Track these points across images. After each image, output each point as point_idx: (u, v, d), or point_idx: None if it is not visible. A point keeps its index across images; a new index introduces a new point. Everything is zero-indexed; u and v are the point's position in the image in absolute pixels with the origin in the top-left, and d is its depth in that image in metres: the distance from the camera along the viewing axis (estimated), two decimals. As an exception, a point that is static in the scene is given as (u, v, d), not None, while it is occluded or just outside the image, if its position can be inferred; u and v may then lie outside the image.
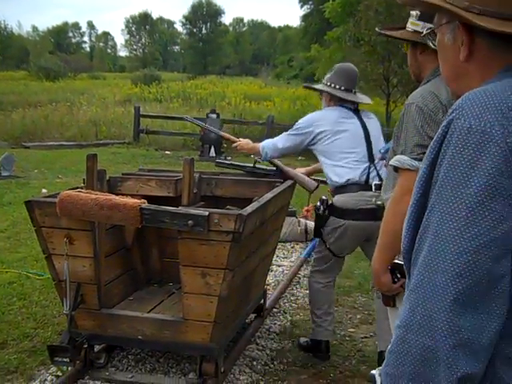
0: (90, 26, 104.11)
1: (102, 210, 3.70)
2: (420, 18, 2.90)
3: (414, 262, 1.25)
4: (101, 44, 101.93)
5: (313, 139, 4.51)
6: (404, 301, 1.26)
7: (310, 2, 67.26)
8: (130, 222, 3.71)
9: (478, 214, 1.15)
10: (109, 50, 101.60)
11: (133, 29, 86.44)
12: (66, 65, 46.09)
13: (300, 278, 6.28)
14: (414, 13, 2.99)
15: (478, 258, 1.14)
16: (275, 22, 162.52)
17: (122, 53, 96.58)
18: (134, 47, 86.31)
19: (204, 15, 75.79)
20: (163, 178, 4.84)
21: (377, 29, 3.52)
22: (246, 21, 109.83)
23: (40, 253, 6.51)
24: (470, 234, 1.15)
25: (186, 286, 3.76)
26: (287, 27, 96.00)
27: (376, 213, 3.66)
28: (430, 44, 1.76)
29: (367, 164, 4.27)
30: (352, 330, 5.04)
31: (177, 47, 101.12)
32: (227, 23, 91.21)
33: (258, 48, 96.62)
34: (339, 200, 4.26)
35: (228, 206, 4.24)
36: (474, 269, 1.14)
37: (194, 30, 76.07)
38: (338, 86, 4.41)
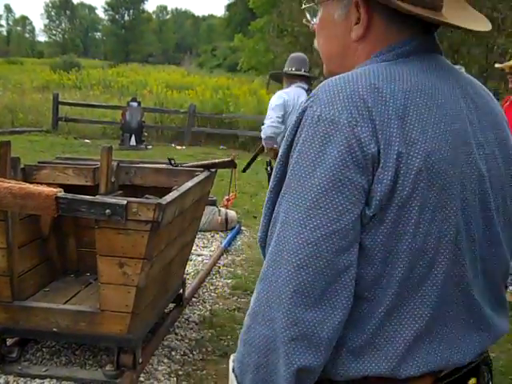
0: (8, 9, 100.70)
1: (16, 198, 3.57)
2: None
3: (266, 250, 1.23)
4: (18, 28, 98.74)
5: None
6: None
7: (234, -8, 67.29)
8: (46, 211, 3.60)
9: (320, 206, 1.13)
10: (27, 35, 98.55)
11: (52, 13, 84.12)
12: (-19, 49, 44.53)
13: (220, 268, 6.26)
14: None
15: (319, 249, 1.12)
16: (199, 11, 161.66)
17: (41, 38, 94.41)
18: (54, 32, 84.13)
19: (127, 2, 74.49)
20: (80, 166, 4.72)
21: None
22: (169, 9, 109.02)
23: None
24: (312, 225, 1.13)
25: (103, 276, 3.69)
26: (211, 16, 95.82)
27: None
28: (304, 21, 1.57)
29: None
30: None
31: (98, 34, 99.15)
32: (150, 11, 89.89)
33: (181, 37, 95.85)
34: None
35: (146, 195, 4.18)
36: (315, 260, 1.12)
37: (117, 17, 74.73)
38: (290, 69, 5.61)
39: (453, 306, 1.24)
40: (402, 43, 1.29)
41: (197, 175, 4.69)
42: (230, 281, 5.88)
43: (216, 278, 5.97)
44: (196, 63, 56.48)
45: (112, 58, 64.67)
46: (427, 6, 1.26)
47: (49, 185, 4.54)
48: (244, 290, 5.59)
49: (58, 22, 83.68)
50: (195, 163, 5.08)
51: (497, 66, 5.89)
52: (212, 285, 5.75)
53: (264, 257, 1.25)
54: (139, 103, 15.68)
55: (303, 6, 1.52)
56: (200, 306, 5.19)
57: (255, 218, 8.12)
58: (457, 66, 1.67)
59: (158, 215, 3.53)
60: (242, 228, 7.81)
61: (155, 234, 3.58)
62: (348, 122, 1.14)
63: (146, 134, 15.52)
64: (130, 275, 3.65)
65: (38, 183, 4.49)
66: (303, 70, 5.58)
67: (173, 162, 4.96)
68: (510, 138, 1.37)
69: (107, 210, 3.51)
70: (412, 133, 1.16)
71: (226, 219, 7.60)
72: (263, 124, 5.76)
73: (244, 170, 6.29)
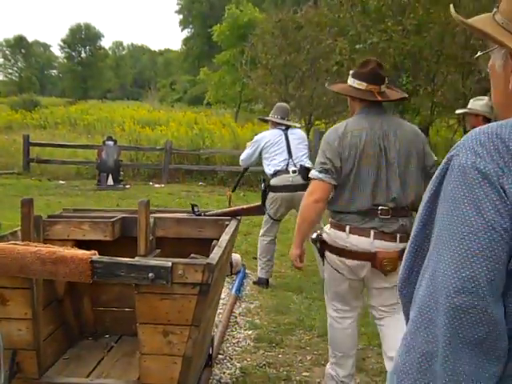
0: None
1: (45, 265, 3.17)
2: (354, 76, 3.83)
3: (413, 297, 1.28)
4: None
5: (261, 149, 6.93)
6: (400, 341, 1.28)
7: (191, 26, 67.41)
8: (79, 277, 3.20)
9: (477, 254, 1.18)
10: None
11: (7, 52, 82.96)
12: None
13: (236, 318, 5.89)
14: (351, 72, 3.90)
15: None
16: (155, 46, 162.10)
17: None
18: (10, 71, 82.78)
19: (83, 39, 73.95)
20: (97, 219, 4.33)
21: (326, 85, 4.78)
22: (125, 44, 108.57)
23: None
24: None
25: (145, 346, 3.30)
26: (168, 50, 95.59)
27: (293, 188, 6.54)
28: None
29: (287, 159, 6.73)
30: (306, 373, 4.70)
31: (54, 71, 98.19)
32: (107, 47, 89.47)
33: (138, 72, 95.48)
34: (272, 181, 6.68)
35: (192, 255, 3.80)
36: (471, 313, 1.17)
37: (73, 54, 74.05)
38: (276, 116, 7.07)
39: None
40: None
41: (226, 225, 4.35)
42: (250, 332, 5.50)
43: (236, 329, 5.59)
44: (157, 98, 56.15)
45: (70, 95, 63.87)
46: None
47: (64, 241, 4.18)
48: (269, 342, 5.22)
49: (13, 60, 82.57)
50: (220, 211, 4.73)
51: (457, 112, 6.64)
52: (234, 338, 5.37)
53: (400, 295, 1.37)
54: (115, 142, 15.28)
55: (477, 55, 1.62)
56: (228, 364, 4.80)
57: (255, 259, 7.75)
58: None
59: (208, 277, 3.17)
60: (247, 271, 7.45)
61: (204, 298, 3.21)
62: (495, 171, 1.19)
63: (122, 172, 15.08)
64: (175, 344, 3.27)
65: (51, 240, 4.11)
66: (286, 118, 7.05)
67: (196, 209, 4.60)
68: None
69: (150, 274, 3.14)
70: None
71: (231, 263, 7.22)
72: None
73: (233, 190, 7.19)
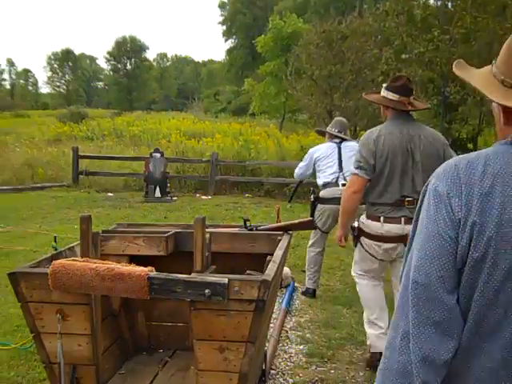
0: (10, 62, 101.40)
1: (104, 281, 3.23)
2: (387, 89, 4.50)
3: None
4: (21, 81, 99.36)
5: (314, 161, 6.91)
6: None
7: (234, 37, 67.82)
8: (137, 293, 3.25)
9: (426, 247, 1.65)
10: (30, 88, 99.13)
11: (55, 65, 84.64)
12: (-14, 103, 44.67)
13: (287, 332, 5.87)
14: (384, 85, 4.61)
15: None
16: (199, 57, 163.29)
17: (44, 90, 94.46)
18: (57, 84, 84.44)
19: (128, 51, 75.02)
20: (152, 235, 4.38)
21: (363, 95, 5.03)
22: (169, 56, 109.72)
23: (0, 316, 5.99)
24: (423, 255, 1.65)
25: (201, 362, 3.33)
26: (211, 61, 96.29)
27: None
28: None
29: (337, 172, 6.61)
30: (359, 390, 4.66)
31: (100, 83, 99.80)
32: (151, 58, 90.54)
33: (182, 82, 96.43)
34: (322, 193, 6.62)
35: (248, 271, 3.83)
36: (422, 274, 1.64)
37: (119, 66, 75.12)
38: (333, 129, 6.98)
39: None
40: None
41: (279, 239, 4.36)
42: (302, 347, 5.48)
43: (287, 344, 5.57)
44: (201, 108, 56.53)
45: (116, 107, 64.79)
46: None
47: (119, 257, 4.24)
48: (320, 357, 5.19)
49: (60, 73, 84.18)
50: (271, 225, 4.74)
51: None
52: (285, 353, 5.35)
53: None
54: (162, 154, 15.42)
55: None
56: (281, 380, 4.78)
57: (304, 272, 7.73)
58: None
59: (264, 293, 3.18)
60: (296, 285, 7.43)
61: (259, 314, 3.23)
62: (447, 193, 1.62)
63: (169, 184, 15.22)
64: (231, 360, 3.30)
65: (107, 255, 4.18)
66: (342, 132, 6.92)
67: (248, 224, 4.62)
68: None
69: (206, 290, 3.17)
70: (492, 208, 1.56)
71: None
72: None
73: (289, 201, 8.00)
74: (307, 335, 5.77)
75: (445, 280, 1.57)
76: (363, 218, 4.65)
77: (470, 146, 14.65)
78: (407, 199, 4.38)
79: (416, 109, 4.65)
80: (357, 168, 4.48)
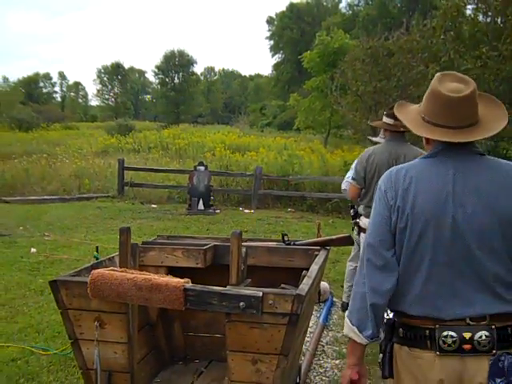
0: (62, 76, 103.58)
1: (141, 291, 3.31)
2: (385, 115, 5.62)
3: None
4: (72, 94, 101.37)
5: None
6: None
7: (281, 51, 68.14)
8: (173, 304, 3.31)
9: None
10: (80, 100, 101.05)
11: (105, 79, 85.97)
12: (39, 115, 45.60)
13: (324, 346, 5.88)
14: (384, 113, 5.74)
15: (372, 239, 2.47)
16: (246, 71, 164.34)
17: (93, 102, 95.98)
18: (106, 97, 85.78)
19: (176, 65, 75.71)
20: (190, 247, 4.45)
21: (369, 122, 6.63)
22: (216, 70, 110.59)
23: (41, 323, 6.13)
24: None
25: (234, 373, 3.37)
26: (258, 76, 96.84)
27: None
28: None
29: None
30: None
31: (148, 96, 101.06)
32: (199, 72, 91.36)
33: (229, 96, 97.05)
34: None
35: (282, 285, 3.86)
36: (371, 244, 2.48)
37: (167, 80, 75.87)
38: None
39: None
40: (430, 152, 2.47)
41: (315, 255, 4.38)
42: (337, 362, 5.48)
43: (323, 358, 5.58)
44: (247, 122, 56.83)
45: (163, 120, 65.50)
46: (444, 126, 2.37)
47: (157, 268, 4.31)
48: (356, 373, 5.17)
49: (110, 86, 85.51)
50: (309, 240, 4.77)
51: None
52: (321, 367, 5.36)
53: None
54: (206, 167, 15.57)
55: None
56: (315, 394, 4.80)
57: (343, 287, 7.71)
58: None
59: (297, 307, 3.21)
60: (334, 299, 7.42)
61: (293, 328, 3.25)
62: (385, 188, 2.46)
63: (212, 197, 15.33)
64: (264, 372, 3.33)
65: (146, 266, 4.25)
66: None
67: (286, 239, 4.66)
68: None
69: (241, 303, 3.21)
70: (408, 196, 2.38)
71: (319, 291, 7.21)
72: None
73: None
74: (343, 350, 5.76)
75: (383, 242, 2.41)
76: (362, 218, 5.90)
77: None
78: None
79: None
80: (352, 178, 5.92)
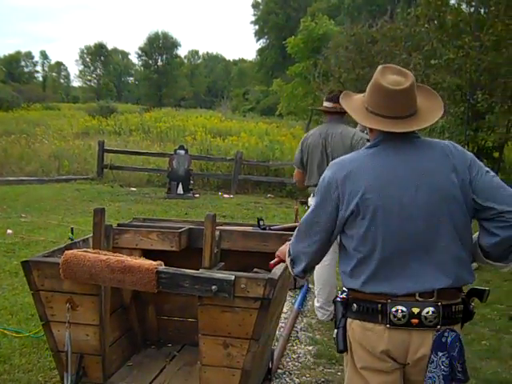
0: (43, 55, 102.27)
1: (113, 273, 3.30)
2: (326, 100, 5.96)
3: None
4: (54, 74, 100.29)
5: None
6: None
7: (266, 36, 67.85)
8: (145, 286, 3.31)
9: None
10: (62, 80, 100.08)
11: (87, 59, 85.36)
12: (19, 95, 45.12)
13: (298, 332, 5.90)
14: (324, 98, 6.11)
15: (310, 223, 2.65)
16: (230, 56, 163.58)
17: (76, 83, 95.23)
18: (89, 78, 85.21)
19: (160, 47, 75.35)
20: (165, 230, 4.43)
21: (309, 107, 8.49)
22: (200, 53, 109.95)
23: (14, 305, 6.09)
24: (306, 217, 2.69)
25: (205, 357, 3.38)
26: (242, 60, 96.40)
27: None
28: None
29: None
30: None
31: (131, 78, 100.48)
32: (182, 56, 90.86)
33: (212, 80, 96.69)
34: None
35: (255, 269, 3.86)
36: (308, 226, 2.66)
37: (150, 62, 75.47)
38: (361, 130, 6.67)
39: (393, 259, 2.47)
40: (373, 140, 2.60)
41: (289, 240, 4.37)
42: (311, 348, 5.50)
43: (296, 344, 5.60)
44: (229, 107, 56.68)
45: (145, 102, 65.12)
46: (386, 117, 2.51)
47: (132, 250, 4.30)
48: (329, 358, 5.20)
49: (92, 67, 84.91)
50: (285, 226, 4.77)
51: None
52: (294, 353, 5.38)
53: None
54: (186, 151, 15.52)
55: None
56: (287, 379, 4.81)
57: (320, 273, 7.74)
58: None
59: (270, 292, 3.22)
60: (310, 286, 7.44)
61: (264, 312, 3.26)
62: (328, 181, 2.56)
63: (192, 181, 15.30)
64: (234, 356, 3.34)
65: (120, 248, 4.23)
66: (365, 131, 7.03)
67: (261, 224, 4.66)
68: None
69: (213, 286, 3.22)
70: (352, 185, 2.48)
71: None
72: None
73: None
74: (317, 336, 5.80)
75: (316, 226, 2.62)
76: (310, 198, 6.25)
77: (496, 154, 14.50)
78: None
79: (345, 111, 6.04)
80: (294, 164, 6.34)
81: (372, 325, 2.47)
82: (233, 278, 3.22)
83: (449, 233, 2.44)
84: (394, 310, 2.42)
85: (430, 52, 14.20)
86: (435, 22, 14.82)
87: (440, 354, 2.41)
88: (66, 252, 3.40)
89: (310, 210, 2.66)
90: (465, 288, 2.58)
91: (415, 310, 2.41)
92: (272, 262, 3.17)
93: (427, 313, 2.41)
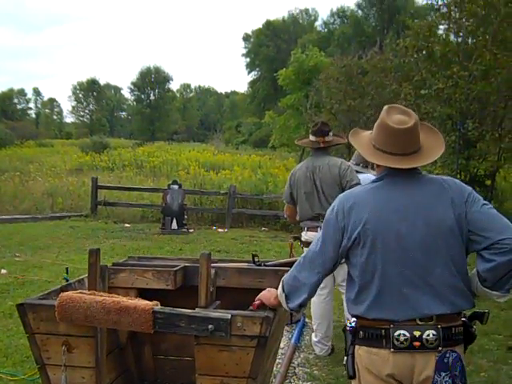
0: (36, 92, 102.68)
1: (109, 314, 3.28)
2: (310, 133, 5.91)
3: None
4: (47, 110, 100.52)
5: None
6: None
7: (257, 69, 68.40)
8: (141, 327, 3.30)
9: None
10: (55, 117, 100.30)
11: (80, 95, 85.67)
12: (12, 132, 45.25)
13: (295, 368, 5.85)
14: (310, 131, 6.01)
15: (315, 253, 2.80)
16: (222, 88, 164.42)
17: (68, 119, 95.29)
18: (81, 113, 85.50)
19: (152, 82, 75.73)
20: (160, 268, 4.42)
21: (296, 141, 6.50)
22: (193, 87, 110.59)
23: (9, 347, 6.04)
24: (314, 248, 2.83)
25: (203, 397, 3.34)
26: (234, 93, 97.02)
27: None
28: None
29: None
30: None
31: (124, 113, 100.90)
32: (175, 89, 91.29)
33: (204, 114, 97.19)
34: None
35: (251, 307, 3.84)
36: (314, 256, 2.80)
37: (142, 96, 75.82)
38: (352, 162, 6.48)
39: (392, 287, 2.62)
40: (379, 175, 2.81)
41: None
42: (309, 384, 5.47)
43: (294, 380, 5.55)
44: (222, 140, 56.91)
45: (138, 137, 65.28)
46: (391, 154, 2.71)
47: (128, 290, 4.29)
48: (327, 394, 5.17)
49: (85, 103, 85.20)
50: (280, 261, 4.77)
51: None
52: (292, 389, 5.34)
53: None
54: (180, 186, 15.54)
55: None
56: (286, 416, 4.77)
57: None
58: None
59: (266, 330, 3.21)
60: (306, 320, 7.41)
61: (261, 350, 3.25)
62: (335, 213, 2.75)
63: (186, 216, 15.29)
64: (232, 396, 3.31)
65: (116, 288, 4.22)
66: (361, 165, 6.58)
67: (256, 259, 4.66)
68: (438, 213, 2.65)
69: (210, 326, 3.21)
70: (356, 216, 2.67)
71: (290, 312, 7.19)
72: None
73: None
74: (315, 372, 5.75)
75: (322, 257, 2.78)
76: (303, 233, 6.03)
77: (488, 182, 14.57)
78: (320, 214, 5.59)
79: (331, 144, 5.97)
80: (284, 199, 6.26)
81: (377, 350, 2.62)
82: (229, 316, 3.21)
83: (445, 263, 2.60)
84: (396, 334, 2.56)
85: (419, 82, 14.36)
86: (424, 52, 15.02)
87: (443, 374, 2.56)
88: (62, 294, 3.39)
89: (316, 240, 2.82)
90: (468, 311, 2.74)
91: (416, 334, 2.55)
92: (254, 303, 3.29)
93: (428, 335, 2.55)
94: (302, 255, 2.89)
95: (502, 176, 15.64)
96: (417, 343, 2.55)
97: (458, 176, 12.10)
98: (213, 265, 4.53)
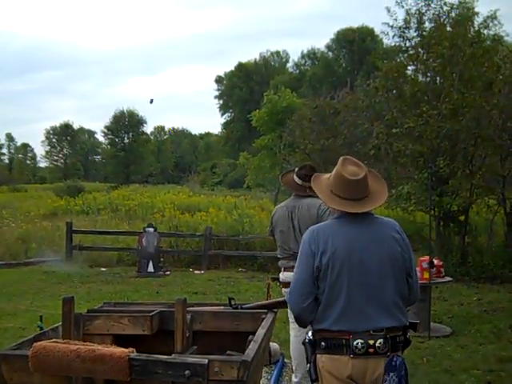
0: (9, 137, 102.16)
1: (85, 363, 3.23)
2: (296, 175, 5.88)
3: None
4: (20, 156, 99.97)
5: None
6: None
7: (231, 110, 68.98)
8: (117, 375, 3.25)
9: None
10: (28, 162, 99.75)
11: (53, 140, 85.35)
12: (-14, 178, 44.90)
13: (275, 411, 5.80)
14: (295, 170, 6.01)
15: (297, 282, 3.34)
16: (196, 130, 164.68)
17: (42, 164, 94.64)
18: (55, 158, 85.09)
19: (126, 125, 75.72)
20: (136, 314, 4.39)
21: (279, 178, 6.51)
22: (166, 129, 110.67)
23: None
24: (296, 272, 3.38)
25: None
26: (208, 134, 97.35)
27: None
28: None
29: None
30: None
31: (98, 157, 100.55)
32: (148, 132, 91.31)
33: (179, 156, 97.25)
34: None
35: (228, 352, 3.83)
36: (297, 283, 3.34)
37: (116, 140, 75.68)
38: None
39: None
40: (338, 215, 3.40)
41: (262, 318, 4.37)
42: (289, 426, 5.41)
43: (274, 424, 5.50)
44: (197, 181, 56.94)
45: (113, 180, 65.03)
46: (346, 199, 3.32)
47: (103, 336, 4.24)
48: None
49: (59, 147, 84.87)
50: (257, 303, 4.77)
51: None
52: (272, 433, 5.27)
53: None
54: (155, 229, 15.50)
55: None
56: None
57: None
58: None
59: (244, 374, 3.19)
60: (285, 360, 7.35)
61: (240, 395, 3.22)
62: (308, 242, 3.31)
63: (162, 259, 15.21)
64: None
65: (91, 335, 4.18)
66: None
67: (233, 302, 4.65)
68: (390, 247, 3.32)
69: (186, 371, 3.17)
70: (326, 244, 3.24)
71: (270, 352, 7.15)
72: None
73: None
74: (295, 413, 5.70)
75: (305, 288, 3.26)
76: (281, 272, 6.08)
77: (462, 217, 14.70)
78: (296, 253, 5.77)
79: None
80: (269, 234, 6.36)
81: (338, 356, 3.19)
82: (206, 362, 3.18)
83: (393, 287, 3.25)
84: (355, 343, 3.15)
85: (390, 121, 14.57)
86: (394, 92, 15.28)
87: (391, 374, 3.16)
88: (35, 344, 3.33)
89: (294, 271, 3.38)
90: None
91: (371, 342, 3.15)
92: None
93: (379, 343, 3.15)
94: (291, 285, 3.39)
95: (474, 211, 15.78)
96: (371, 350, 3.14)
97: (432, 212, 12.19)
98: (189, 309, 4.52)
